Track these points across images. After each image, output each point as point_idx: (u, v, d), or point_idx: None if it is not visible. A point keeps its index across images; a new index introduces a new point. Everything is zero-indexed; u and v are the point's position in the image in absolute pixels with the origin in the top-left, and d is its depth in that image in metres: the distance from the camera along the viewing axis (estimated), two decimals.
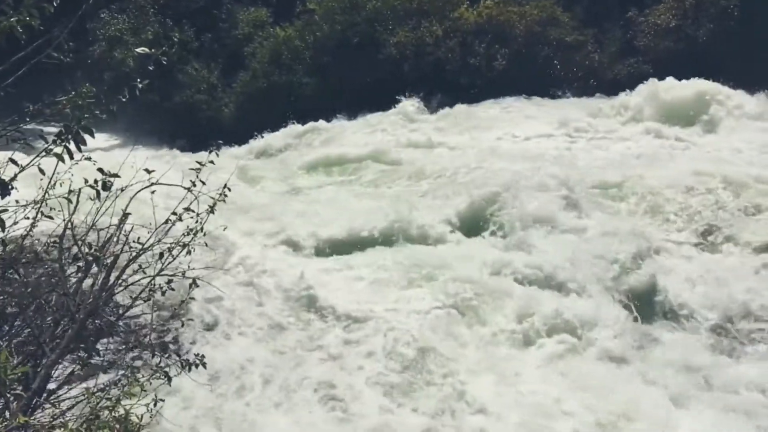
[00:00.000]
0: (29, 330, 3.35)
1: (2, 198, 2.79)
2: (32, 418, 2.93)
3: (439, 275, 8.42)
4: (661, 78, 16.50)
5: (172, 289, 3.65)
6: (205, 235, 3.71)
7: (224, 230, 5.09)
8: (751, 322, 7.62)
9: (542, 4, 20.48)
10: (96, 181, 3.14)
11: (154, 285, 3.63)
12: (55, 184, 3.41)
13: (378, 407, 6.16)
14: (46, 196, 3.41)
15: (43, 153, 2.92)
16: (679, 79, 15.90)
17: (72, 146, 2.95)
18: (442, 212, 10.16)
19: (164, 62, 3.20)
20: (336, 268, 8.77)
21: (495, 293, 8.08)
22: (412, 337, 7.11)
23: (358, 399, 6.25)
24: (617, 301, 8.01)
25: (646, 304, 8.13)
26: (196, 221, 3.70)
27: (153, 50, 3.12)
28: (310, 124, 17.89)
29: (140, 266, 3.63)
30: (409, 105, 18.16)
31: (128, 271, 3.63)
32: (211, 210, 3.76)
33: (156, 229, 3.64)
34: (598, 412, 6.12)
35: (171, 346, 3.69)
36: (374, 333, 7.22)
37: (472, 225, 10.06)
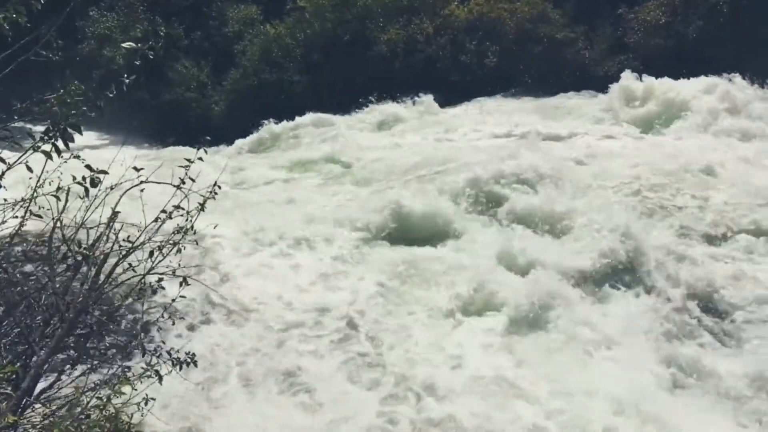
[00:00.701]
0: (18, 329, 3.33)
1: None
2: (22, 417, 2.92)
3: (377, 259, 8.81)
4: (651, 76, 16.61)
5: (163, 288, 3.64)
6: (195, 233, 3.70)
7: (215, 228, 5.07)
8: None
9: (533, 1, 20.52)
10: (84, 178, 3.12)
11: (145, 283, 3.62)
12: (43, 182, 3.39)
13: (339, 392, 6.21)
14: (35, 194, 3.39)
15: (31, 150, 2.90)
16: (673, 77, 16.03)
17: (60, 144, 2.93)
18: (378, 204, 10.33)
19: (151, 56, 3.18)
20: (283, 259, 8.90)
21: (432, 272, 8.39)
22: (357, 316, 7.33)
23: (320, 385, 6.30)
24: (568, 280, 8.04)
25: (594, 283, 8.17)
26: (186, 219, 3.68)
27: (139, 45, 3.10)
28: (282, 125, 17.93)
29: (130, 265, 3.60)
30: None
31: (118, 269, 3.61)
32: (202, 208, 3.74)
33: (146, 227, 3.62)
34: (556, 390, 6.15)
35: (162, 345, 3.67)
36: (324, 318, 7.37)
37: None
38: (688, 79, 15.68)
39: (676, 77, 15.99)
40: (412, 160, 12.91)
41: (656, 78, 16.15)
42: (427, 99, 18.10)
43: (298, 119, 17.79)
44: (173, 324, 3.94)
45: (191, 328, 6.84)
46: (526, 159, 11.00)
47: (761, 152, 12.07)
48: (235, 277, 8.04)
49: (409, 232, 9.59)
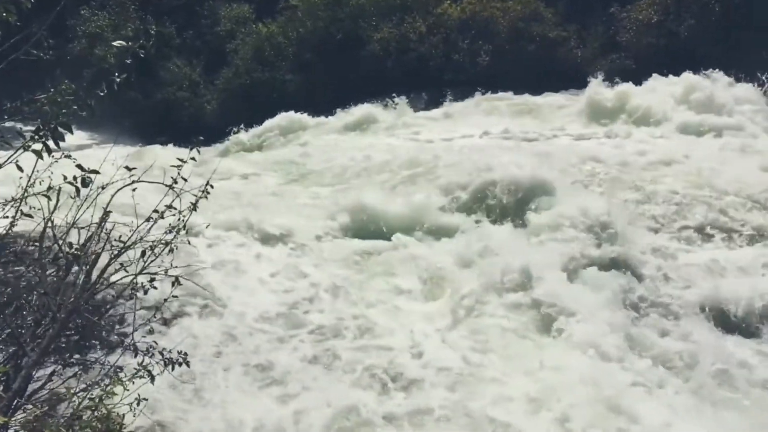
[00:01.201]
0: (9, 330, 3.31)
1: None
2: (13, 418, 2.90)
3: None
4: (644, 74, 16.68)
5: (155, 288, 3.62)
6: (187, 232, 3.68)
7: (207, 227, 5.06)
8: None
9: (525, 0, 20.55)
10: (75, 178, 3.10)
11: (136, 284, 3.60)
12: (34, 182, 3.37)
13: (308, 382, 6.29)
14: (25, 194, 3.37)
15: (21, 150, 2.88)
16: (663, 74, 16.11)
17: (51, 143, 2.92)
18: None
19: (142, 55, 3.16)
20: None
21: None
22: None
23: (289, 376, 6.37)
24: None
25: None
26: (179, 219, 3.66)
27: (130, 43, 3.08)
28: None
29: (122, 265, 3.59)
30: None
31: (110, 269, 3.59)
32: (194, 207, 3.72)
33: (138, 227, 3.60)
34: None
35: (154, 345, 3.65)
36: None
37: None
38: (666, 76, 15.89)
39: (667, 76, 16.10)
40: (380, 161, 13.24)
41: (646, 77, 16.26)
42: (401, 101, 18.31)
43: (267, 123, 17.96)
44: (165, 325, 3.93)
45: (165, 323, 6.83)
46: (499, 159, 11.19)
47: (727, 147, 12.35)
48: (205, 271, 8.07)
49: (371, 227, 9.91)
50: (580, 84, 18.24)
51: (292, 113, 18.04)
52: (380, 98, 18.65)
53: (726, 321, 7.15)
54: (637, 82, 16.44)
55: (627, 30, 19.33)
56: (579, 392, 5.80)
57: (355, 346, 6.89)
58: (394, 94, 18.56)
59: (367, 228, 9.90)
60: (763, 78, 15.55)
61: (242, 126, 18.57)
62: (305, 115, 18.05)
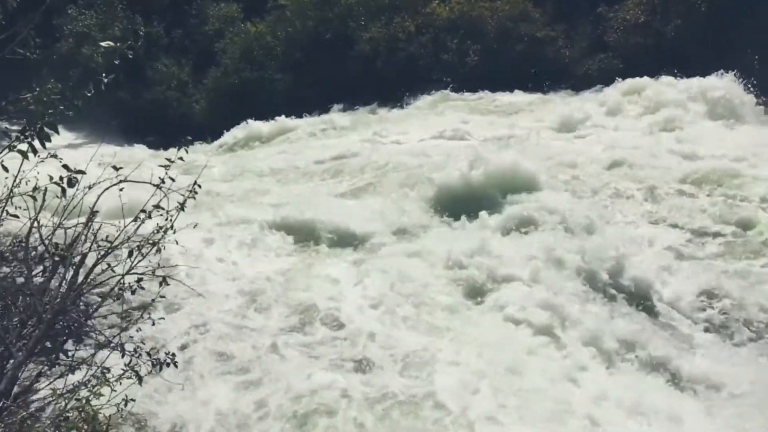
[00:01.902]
0: None
1: None
2: None
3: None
4: (631, 74, 16.81)
5: (142, 288, 3.61)
6: (175, 232, 3.68)
7: (194, 227, 5.04)
8: None
9: (514, 0, 20.59)
10: (61, 178, 3.09)
11: (124, 284, 3.59)
12: (20, 182, 3.35)
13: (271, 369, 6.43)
14: (11, 194, 3.35)
15: (7, 150, 2.87)
16: (649, 75, 16.26)
17: (37, 144, 2.91)
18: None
19: (130, 56, 3.16)
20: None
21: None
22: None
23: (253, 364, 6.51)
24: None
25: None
26: (166, 219, 3.66)
27: (118, 44, 3.07)
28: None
29: (109, 265, 3.57)
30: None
31: (97, 270, 3.58)
32: (182, 207, 3.71)
33: (125, 227, 3.59)
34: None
35: (141, 345, 3.64)
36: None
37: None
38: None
39: (654, 75, 16.24)
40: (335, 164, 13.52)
41: (634, 77, 16.41)
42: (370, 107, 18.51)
43: (225, 136, 18.01)
44: (153, 324, 3.92)
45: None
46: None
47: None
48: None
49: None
50: (569, 84, 18.35)
51: (251, 122, 18.00)
52: (369, 98, 18.66)
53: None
54: None
55: (614, 30, 19.40)
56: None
57: (308, 332, 7.11)
58: (383, 92, 18.63)
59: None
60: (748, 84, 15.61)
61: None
62: (269, 121, 18.00)
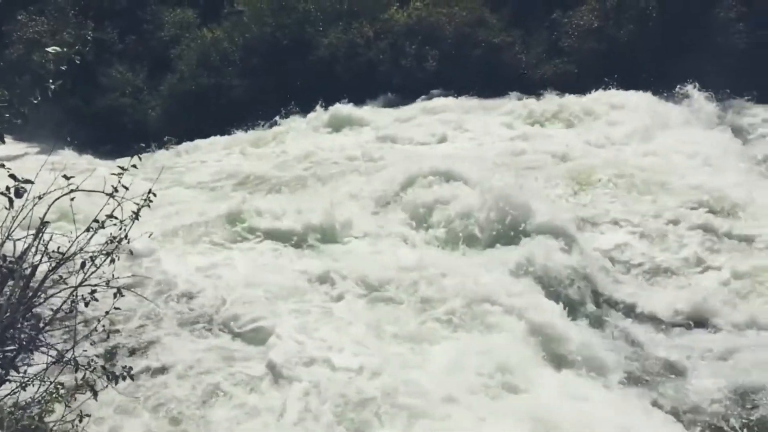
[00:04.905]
0: None
1: None
2: None
3: None
4: (586, 79, 17.18)
5: (96, 300, 3.52)
6: (129, 242, 3.59)
7: (150, 236, 4.94)
8: None
9: (471, 5, 20.76)
10: (8, 188, 2.99)
11: (77, 296, 3.49)
12: None
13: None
14: None
15: None
16: (602, 78, 16.65)
17: None
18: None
19: (78, 61, 3.07)
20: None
21: None
22: None
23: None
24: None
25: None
26: (120, 228, 3.57)
27: (65, 49, 2.99)
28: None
29: (61, 277, 3.47)
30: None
31: (48, 282, 3.47)
32: (136, 216, 3.63)
33: (77, 237, 3.49)
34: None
35: (96, 359, 3.55)
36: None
37: None
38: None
39: (609, 79, 16.62)
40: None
41: (589, 81, 16.77)
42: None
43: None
44: (107, 338, 3.82)
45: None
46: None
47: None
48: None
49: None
50: (525, 89, 18.58)
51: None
52: (330, 103, 18.62)
53: None
54: (580, 87, 16.96)
55: (569, 35, 19.71)
56: None
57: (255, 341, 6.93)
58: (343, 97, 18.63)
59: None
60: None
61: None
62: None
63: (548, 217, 8.86)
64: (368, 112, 18.19)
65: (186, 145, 18.01)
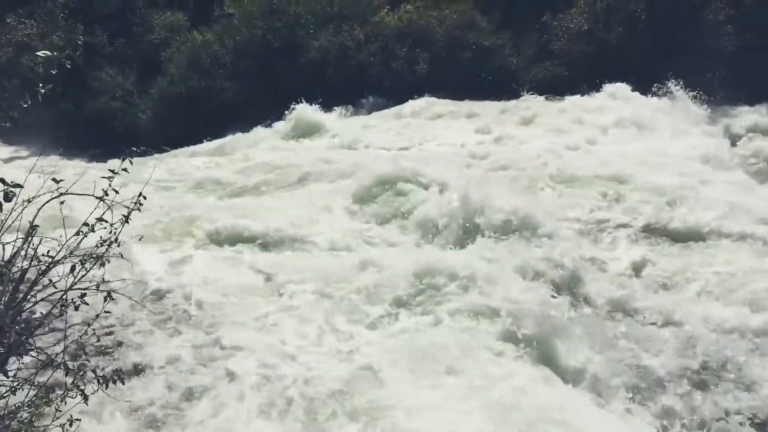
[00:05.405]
0: None
1: None
2: None
3: None
4: (576, 81, 17.27)
5: (86, 304, 3.50)
6: (119, 246, 3.58)
7: (140, 240, 4.93)
8: None
9: (461, 8, 20.84)
10: None
11: (66, 300, 3.47)
12: None
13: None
14: None
15: None
16: (593, 81, 16.72)
17: None
18: None
19: (68, 65, 3.07)
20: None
21: None
22: None
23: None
24: None
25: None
26: (110, 232, 3.56)
27: (55, 53, 2.99)
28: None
29: (50, 281, 3.46)
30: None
31: (38, 286, 3.46)
32: (126, 219, 3.62)
33: (66, 241, 3.48)
34: None
35: (86, 363, 3.54)
36: None
37: None
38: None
39: (600, 82, 16.69)
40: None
41: (580, 84, 16.85)
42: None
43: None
44: (98, 340, 3.81)
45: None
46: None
47: None
48: None
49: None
50: (516, 91, 18.64)
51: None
52: (322, 106, 18.62)
53: None
54: (570, 90, 17.05)
55: (559, 38, 19.82)
56: None
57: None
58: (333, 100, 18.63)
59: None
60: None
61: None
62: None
63: (507, 217, 9.01)
64: (334, 117, 18.32)
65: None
